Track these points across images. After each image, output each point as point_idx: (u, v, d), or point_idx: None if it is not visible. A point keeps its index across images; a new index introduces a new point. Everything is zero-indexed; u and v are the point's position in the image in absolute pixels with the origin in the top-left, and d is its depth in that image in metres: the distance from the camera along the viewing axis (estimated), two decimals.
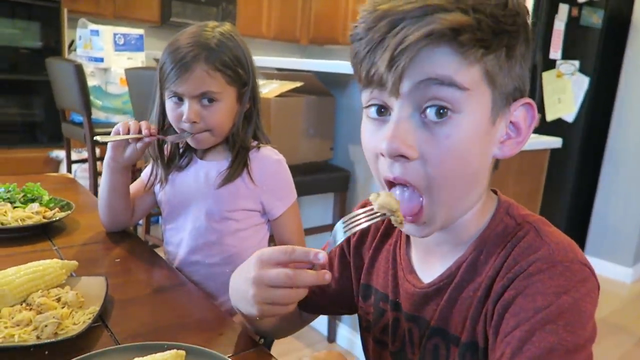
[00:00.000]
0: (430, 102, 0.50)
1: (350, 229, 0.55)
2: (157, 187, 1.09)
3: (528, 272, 0.51)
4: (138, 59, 2.99)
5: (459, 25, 0.47)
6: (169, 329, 0.72)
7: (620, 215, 3.16)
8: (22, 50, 3.93)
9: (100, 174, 2.88)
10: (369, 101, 0.55)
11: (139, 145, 0.97)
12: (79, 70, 2.49)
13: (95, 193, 2.76)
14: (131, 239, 1.06)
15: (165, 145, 1.08)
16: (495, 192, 0.61)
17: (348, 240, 0.73)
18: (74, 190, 1.44)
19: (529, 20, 0.53)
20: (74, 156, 3.44)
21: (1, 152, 3.93)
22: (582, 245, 3.30)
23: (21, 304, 0.69)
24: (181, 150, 1.08)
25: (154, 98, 1.04)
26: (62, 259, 0.92)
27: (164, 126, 1.04)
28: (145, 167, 1.14)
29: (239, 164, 1.02)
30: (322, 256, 0.55)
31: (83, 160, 3.13)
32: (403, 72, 0.49)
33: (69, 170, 3.03)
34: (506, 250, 0.54)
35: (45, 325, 0.63)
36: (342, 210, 2.17)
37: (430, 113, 0.50)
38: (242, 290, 0.59)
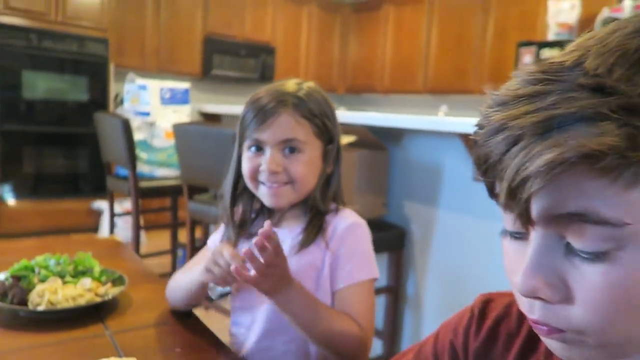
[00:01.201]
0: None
1: None
2: None
3: None
4: (183, 112, 3.00)
5: (600, 151, 0.32)
6: None
7: None
8: (70, 103, 4.04)
9: (142, 227, 2.85)
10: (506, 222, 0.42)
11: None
12: (126, 125, 2.48)
13: (137, 249, 2.70)
14: (191, 322, 0.95)
15: (236, 208, 0.98)
16: None
17: (464, 343, 0.60)
18: (123, 257, 1.36)
19: None
20: (118, 209, 3.42)
21: (47, 204, 3.97)
22: None
23: None
24: (253, 215, 0.97)
25: (230, 158, 0.96)
26: (116, 347, 0.82)
27: (236, 189, 0.95)
28: (215, 230, 1.04)
29: (313, 227, 0.90)
30: None
31: (127, 213, 3.10)
32: (527, 204, 0.36)
33: (112, 222, 3.00)
34: None
35: None
36: (397, 271, 2.02)
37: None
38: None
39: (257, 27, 5.16)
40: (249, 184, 0.92)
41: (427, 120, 1.72)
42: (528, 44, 3.61)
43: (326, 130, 0.90)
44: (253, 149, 0.89)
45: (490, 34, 4.33)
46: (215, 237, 1.01)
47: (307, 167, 0.88)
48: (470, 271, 1.82)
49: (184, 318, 0.96)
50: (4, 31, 3.66)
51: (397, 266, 2.02)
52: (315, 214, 0.91)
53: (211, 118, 3.12)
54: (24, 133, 3.84)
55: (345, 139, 1.84)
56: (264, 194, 0.90)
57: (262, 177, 0.88)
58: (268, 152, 0.87)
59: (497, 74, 4.25)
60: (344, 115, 2.29)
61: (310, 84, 0.93)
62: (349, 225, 0.91)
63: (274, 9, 5.25)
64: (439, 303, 1.96)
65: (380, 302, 2.04)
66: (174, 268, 3.11)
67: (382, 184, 2.05)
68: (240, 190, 0.95)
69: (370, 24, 5.56)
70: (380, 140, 2.01)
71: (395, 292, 2.04)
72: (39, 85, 3.89)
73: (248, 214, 0.97)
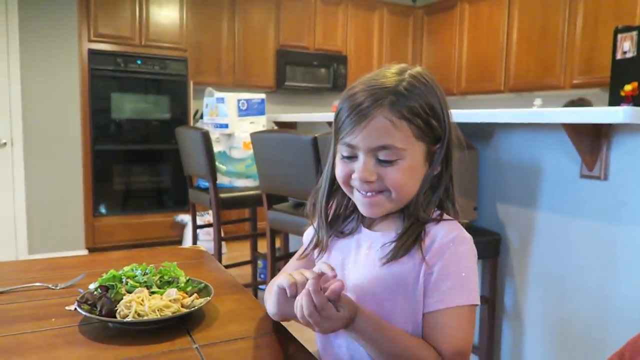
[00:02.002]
0: None
1: None
2: (315, 254, 0.92)
3: None
4: (260, 123, 3.01)
5: None
6: None
7: None
8: (153, 122, 4.23)
9: (224, 239, 2.88)
10: None
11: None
12: (206, 137, 2.52)
13: (220, 260, 2.72)
14: (281, 335, 0.87)
15: (331, 204, 0.90)
16: None
17: None
18: (207, 266, 1.32)
19: None
20: (199, 221, 3.49)
21: (134, 218, 4.16)
22: None
23: None
24: (347, 212, 0.90)
25: (327, 156, 0.88)
26: None
27: (333, 185, 0.88)
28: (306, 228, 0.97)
29: (410, 236, 0.79)
30: None
31: (208, 225, 3.15)
32: None
33: (194, 234, 3.06)
34: None
35: None
36: (493, 280, 1.85)
37: None
38: None
39: (328, 37, 5.15)
40: (343, 188, 0.84)
41: (527, 113, 1.56)
42: (627, 29, 3.28)
43: (431, 129, 0.78)
44: (345, 153, 0.80)
45: (579, 23, 3.99)
46: (309, 233, 0.95)
47: (405, 175, 0.78)
48: (576, 279, 1.62)
49: (274, 331, 0.89)
50: (95, 57, 3.91)
51: (492, 275, 1.85)
52: (414, 221, 0.80)
53: (287, 128, 3.11)
54: (114, 152, 4.06)
55: None
56: (358, 201, 0.82)
57: (355, 184, 0.80)
58: (361, 158, 0.78)
59: (589, 66, 3.90)
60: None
61: (416, 71, 0.81)
62: (451, 238, 0.78)
63: (345, 17, 5.22)
64: (541, 315, 1.76)
65: (476, 314, 1.87)
66: (255, 278, 3.11)
67: (472, 187, 1.90)
68: (336, 187, 0.88)
69: (444, 25, 5.36)
70: (468, 140, 1.86)
71: (491, 303, 1.87)
72: (126, 106, 4.10)
73: (341, 211, 0.90)
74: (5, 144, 3.64)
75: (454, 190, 0.84)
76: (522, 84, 4.56)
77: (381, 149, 0.76)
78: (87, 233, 3.97)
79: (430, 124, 0.78)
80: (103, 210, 4.06)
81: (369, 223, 0.87)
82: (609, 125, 1.46)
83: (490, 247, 1.84)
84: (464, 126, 1.84)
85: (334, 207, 0.90)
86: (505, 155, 1.85)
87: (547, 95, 4.42)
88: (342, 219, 0.90)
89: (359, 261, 0.84)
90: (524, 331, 1.83)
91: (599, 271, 1.55)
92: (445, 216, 0.82)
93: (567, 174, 1.62)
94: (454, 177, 0.83)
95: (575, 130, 1.47)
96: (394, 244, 0.79)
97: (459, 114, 1.85)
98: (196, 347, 0.82)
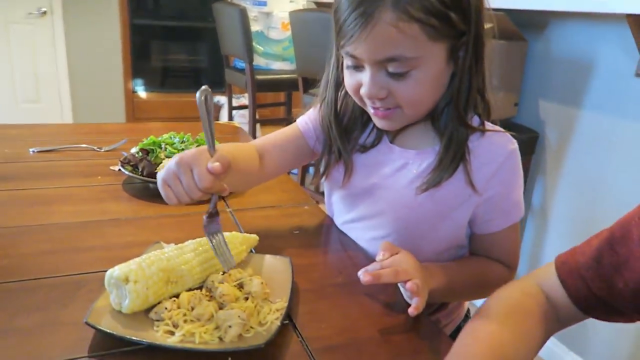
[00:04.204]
0: None
1: None
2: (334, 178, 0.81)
3: None
4: (300, 2, 2.88)
5: None
6: (368, 341, 0.55)
7: None
8: None
9: (259, 121, 2.91)
10: None
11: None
12: (243, 14, 2.44)
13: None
14: (310, 206, 0.92)
15: (340, 103, 0.77)
16: None
17: None
18: (242, 140, 1.36)
19: None
20: (235, 102, 3.52)
21: (171, 96, 4.21)
22: None
23: (200, 289, 0.58)
24: (364, 118, 0.77)
25: (330, 50, 0.75)
26: (237, 224, 0.82)
27: (338, 93, 0.76)
28: (301, 113, 0.85)
29: (452, 159, 0.68)
30: None
31: (243, 107, 3.17)
32: None
33: (230, 115, 3.10)
34: None
35: (230, 326, 0.50)
36: (525, 177, 1.85)
37: None
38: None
39: None
40: (355, 99, 0.72)
41: (586, 1, 1.43)
42: None
43: (452, 25, 0.62)
44: (350, 62, 0.67)
45: None
46: (306, 119, 0.83)
47: (420, 88, 0.65)
48: (613, 183, 1.59)
49: (302, 201, 0.94)
50: None
51: (524, 172, 1.85)
52: (451, 135, 0.69)
53: (327, 8, 2.97)
54: (151, 27, 4.00)
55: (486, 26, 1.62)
56: (371, 114, 0.71)
57: (365, 97, 0.68)
58: (367, 71, 0.65)
59: None
60: None
61: None
62: (507, 154, 0.70)
63: None
64: (568, 216, 1.77)
65: None
66: None
67: (516, 81, 1.82)
68: (343, 92, 0.75)
69: None
70: (519, 30, 1.75)
71: None
72: None
73: (357, 117, 0.77)
74: (45, 12, 3.62)
75: (486, 87, 0.70)
76: None
77: (389, 61, 0.63)
78: (127, 107, 4.07)
79: (449, 19, 0.61)
80: (141, 86, 4.12)
81: (393, 135, 0.76)
82: None
83: (526, 144, 1.80)
84: (513, 14, 1.71)
85: (347, 113, 0.78)
86: (556, 49, 1.74)
87: None
88: (359, 127, 0.78)
89: (392, 185, 0.74)
90: (547, 229, 1.85)
91: (637, 177, 1.52)
92: (488, 124, 0.72)
93: (621, 72, 1.52)
94: (486, 72, 0.70)
95: (637, 21, 1.35)
96: (433, 168, 0.70)
97: (514, 1, 1.71)
98: (230, 211, 0.87)
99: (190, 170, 0.57)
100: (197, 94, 0.56)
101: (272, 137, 0.82)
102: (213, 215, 0.60)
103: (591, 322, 0.59)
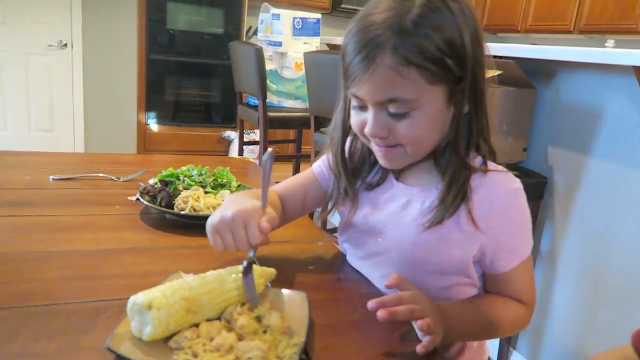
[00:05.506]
0: None
1: None
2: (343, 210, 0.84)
3: None
4: (313, 44, 2.96)
5: None
6: None
7: None
8: (206, 36, 4.22)
9: None
10: None
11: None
12: (259, 53, 2.51)
13: None
14: (324, 242, 0.93)
15: (350, 144, 0.81)
16: None
17: None
18: (256, 175, 1.38)
19: None
20: (245, 137, 3.57)
21: (183, 129, 4.29)
22: None
23: (219, 319, 0.59)
24: (372, 158, 0.80)
25: (340, 91, 0.78)
26: (254, 257, 0.83)
27: (346, 134, 0.80)
28: (317, 157, 0.91)
29: (454, 197, 0.70)
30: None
31: (253, 142, 3.22)
32: None
33: (241, 150, 3.14)
34: None
35: (249, 358, 0.50)
36: (533, 222, 1.85)
37: None
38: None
39: None
40: (360, 138, 0.76)
41: (595, 53, 1.47)
42: None
43: (448, 70, 0.65)
44: (355, 102, 0.71)
45: None
46: (320, 163, 0.88)
47: (420, 127, 0.68)
48: (621, 229, 1.60)
49: (315, 236, 0.95)
50: None
51: (532, 218, 1.85)
52: (454, 174, 0.71)
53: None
54: (167, 62, 4.12)
55: (490, 73, 1.67)
56: (375, 152, 0.74)
57: (369, 135, 0.71)
58: (370, 111, 0.69)
59: None
60: (488, 45, 2.08)
61: None
62: (509, 192, 0.71)
63: None
64: (576, 262, 1.77)
65: None
66: None
67: (525, 127, 1.85)
68: (352, 132, 0.79)
69: None
70: (528, 78, 1.79)
71: None
72: (180, 17, 4.09)
73: (366, 157, 0.81)
74: (65, 44, 3.75)
75: (489, 131, 0.72)
76: (594, 26, 4.24)
77: (390, 102, 0.66)
78: (139, 139, 4.14)
79: (445, 65, 0.64)
80: (154, 118, 4.20)
81: (398, 173, 0.79)
82: None
83: (535, 189, 1.82)
84: (523, 63, 1.77)
85: (356, 154, 0.82)
86: (565, 97, 1.78)
87: (620, 40, 4.11)
88: (367, 167, 0.81)
89: (397, 222, 0.76)
90: (556, 276, 1.84)
91: None
92: (490, 164, 0.74)
93: (628, 121, 1.55)
94: (489, 115, 0.72)
95: None
96: (436, 205, 0.72)
97: (521, 49, 1.77)
98: None
99: (244, 225, 0.63)
100: (264, 156, 0.63)
101: (291, 183, 0.88)
102: (251, 262, 0.66)
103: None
